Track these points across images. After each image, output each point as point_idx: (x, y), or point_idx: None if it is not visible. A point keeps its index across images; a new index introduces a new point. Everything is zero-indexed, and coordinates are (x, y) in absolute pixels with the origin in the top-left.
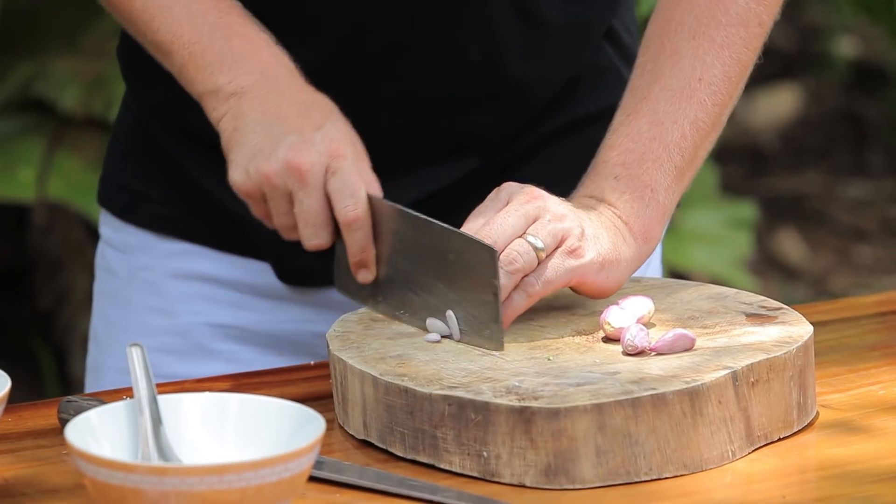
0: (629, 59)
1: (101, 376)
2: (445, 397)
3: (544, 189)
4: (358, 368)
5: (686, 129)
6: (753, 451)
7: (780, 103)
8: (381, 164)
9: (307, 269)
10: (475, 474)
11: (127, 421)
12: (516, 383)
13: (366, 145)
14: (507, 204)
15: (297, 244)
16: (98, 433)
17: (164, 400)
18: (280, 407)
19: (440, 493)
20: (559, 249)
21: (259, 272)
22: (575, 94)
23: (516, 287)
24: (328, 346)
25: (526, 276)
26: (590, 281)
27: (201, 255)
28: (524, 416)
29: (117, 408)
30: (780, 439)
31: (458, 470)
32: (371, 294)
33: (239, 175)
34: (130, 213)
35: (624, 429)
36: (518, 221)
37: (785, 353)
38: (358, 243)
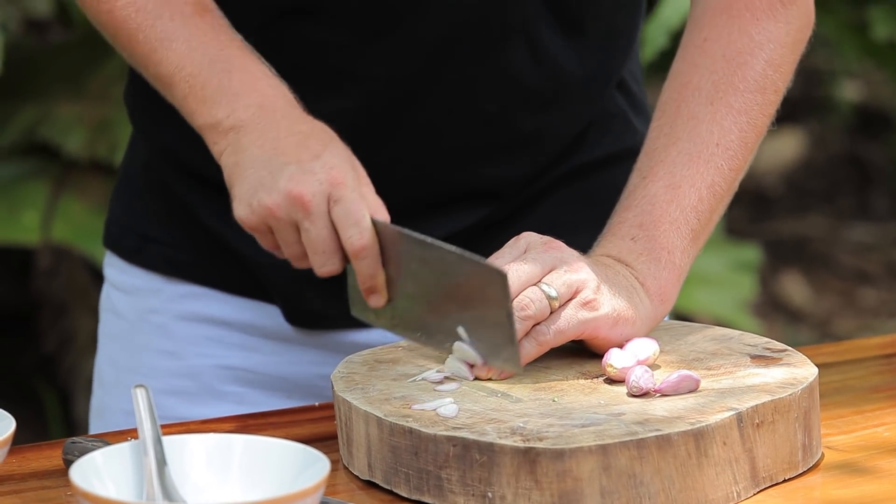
0: (636, 105)
1: (107, 418)
2: (450, 438)
3: (555, 236)
4: (363, 409)
5: (703, 192)
6: (758, 492)
7: (785, 147)
8: (393, 211)
9: (316, 313)
10: None
11: (132, 462)
12: (521, 424)
13: (378, 193)
14: (525, 252)
15: (306, 288)
16: (103, 474)
17: (169, 441)
18: (284, 448)
19: None
20: (573, 301)
21: (268, 315)
22: (585, 140)
23: (527, 334)
24: (332, 388)
25: (538, 323)
26: (602, 336)
27: (210, 298)
28: (529, 457)
29: (122, 449)
30: (785, 480)
31: None
32: (387, 317)
33: (243, 210)
34: (138, 255)
35: (629, 469)
36: (534, 269)
37: (790, 395)
38: (367, 270)
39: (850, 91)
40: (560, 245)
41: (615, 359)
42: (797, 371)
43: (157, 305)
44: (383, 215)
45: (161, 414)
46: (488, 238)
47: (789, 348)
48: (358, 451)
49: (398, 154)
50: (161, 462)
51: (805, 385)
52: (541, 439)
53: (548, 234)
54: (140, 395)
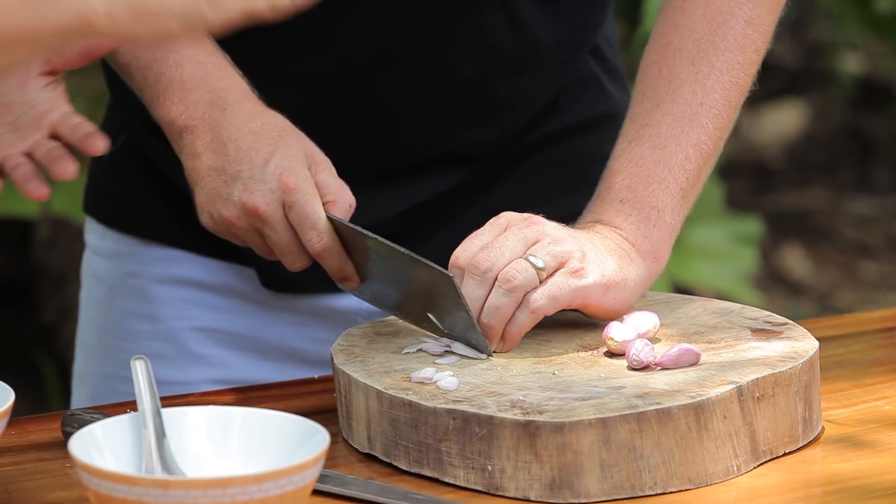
0: (610, 70)
1: (87, 382)
2: (450, 411)
3: (531, 201)
4: (363, 382)
5: (689, 151)
6: (758, 465)
7: (786, 119)
8: (369, 176)
9: (291, 278)
10: (479, 488)
11: (131, 434)
12: (521, 398)
13: (354, 158)
14: (506, 230)
15: None
16: (102, 446)
17: (169, 413)
18: (284, 420)
19: None
20: (562, 269)
21: (245, 277)
22: (558, 105)
23: (519, 305)
24: (332, 360)
25: (528, 293)
26: (595, 302)
27: (187, 261)
28: (529, 430)
29: (121, 421)
30: (785, 454)
31: (462, 484)
32: (368, 292)
33: (206, 219)
34: (117, 219)
35: (629, 443)
36: (517, 245)
37: (790, 369)
38: (333, 267)
39: (851, 63)
40: (540, 219)
41: (615, 332)
42: (798, 344)
43: (136, 269)
44: (347, 197)
45: None
46: (465, 203)
47: (790, 321)
48: (357, 424)
49: (374, 118)
50: (160, 435)
51: (806, 359)
52: (541, 412)
53: (524, 200)
54: (140, 368)
